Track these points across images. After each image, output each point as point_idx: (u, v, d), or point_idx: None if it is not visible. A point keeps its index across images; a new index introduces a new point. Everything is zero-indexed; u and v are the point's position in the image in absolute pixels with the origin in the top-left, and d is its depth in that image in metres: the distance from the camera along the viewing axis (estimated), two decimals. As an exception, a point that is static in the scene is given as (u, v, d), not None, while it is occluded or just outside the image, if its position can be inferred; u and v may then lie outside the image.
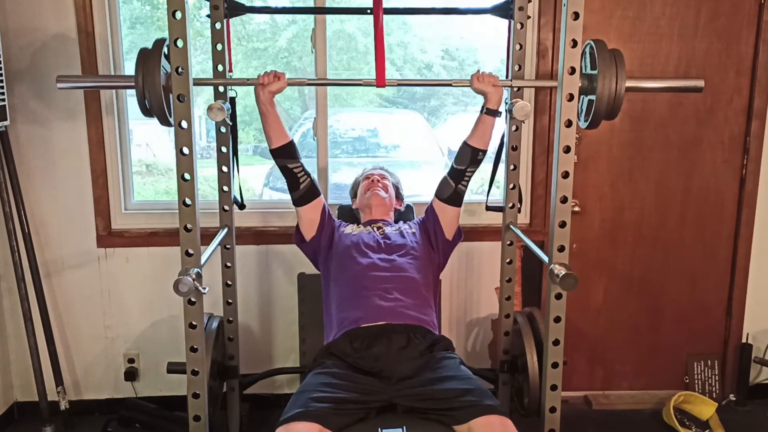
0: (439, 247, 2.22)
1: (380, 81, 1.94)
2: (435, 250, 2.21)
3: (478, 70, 2.04)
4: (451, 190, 2.16)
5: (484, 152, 2.12)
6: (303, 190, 2.12)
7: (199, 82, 1.91)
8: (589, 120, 1.86)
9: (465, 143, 2.11)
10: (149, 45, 1.78)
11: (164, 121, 1.82)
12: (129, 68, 2.62)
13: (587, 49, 1.85)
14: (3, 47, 2.40)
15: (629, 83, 1.80)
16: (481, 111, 2.07)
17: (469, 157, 2.10)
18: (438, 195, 2.20)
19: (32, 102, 2.53)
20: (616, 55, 1.79)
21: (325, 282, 2.17)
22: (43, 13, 2.47)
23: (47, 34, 2.48)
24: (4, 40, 2.42)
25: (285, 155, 2.08)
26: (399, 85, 2.05)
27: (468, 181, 2.17)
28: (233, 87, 2.27)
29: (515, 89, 2.30)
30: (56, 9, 2.47)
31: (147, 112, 1.80)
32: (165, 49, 1.75)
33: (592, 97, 1.81)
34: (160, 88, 1.73)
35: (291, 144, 2.09)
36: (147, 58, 1.74)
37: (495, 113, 2.07)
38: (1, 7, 2.44)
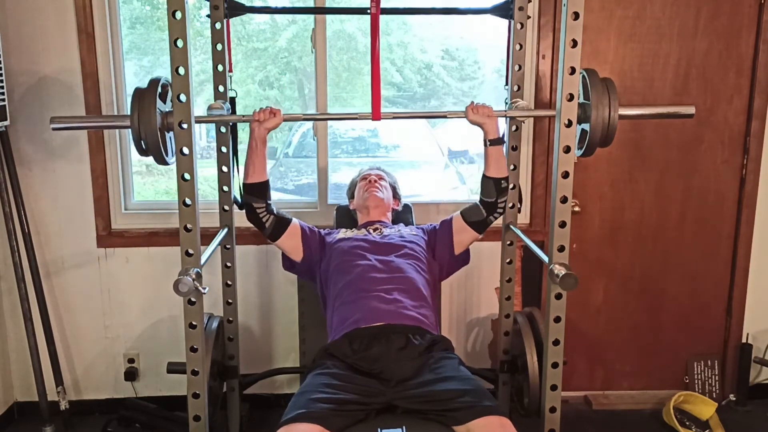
0: (444, 259, 2.21)
1: (376, 115, 1.95)
2: (436, 259, 2.21)
3: (472, 102, 2.03)
4: (481, 217, 2.15)
5: (506, 178, 2.11)
6: (270, 228, 2.12)
7: (200, 120, 1.90)
8: (584, 148, 1.87)
9: (484, 176, 2.11)
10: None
11: (160, 161, 1.78)
12: (129, 69, 2.62)
13: (580, 79, 1.86)
14: (3, 49, 2.40)
15: (622, 111, 1.82)
16: (485, 144, 2.07)
17: (493, 188, 2.09)
18: (464, 215, 2.18)
19: (32, 102, 2.53)
20: (609, 84, 1.81)
21: (326, 292, 2.15)
22: (42, 13, 2.47)
23: (47, 34, 2.48)
24: (4, 42, 2.42)
25: (256, 192, 2.07)
26: (395, 118, 2.07)
27: (501, 213, 2.15)
28: (233, 87, 2.27)
29: (515, 88, 2.30)
30: (56, 9, 2.47)
31: (143, 151, 1.77)
32: (160, 89, 1.73)
33: (586, 126, 1.82)
34: (155, 126, 1.70)
35: (266, 183, 2.08)
36: (142, 97, 1.71)
37: (498, 142, 2.06)
38: (1, 6, 2.45)
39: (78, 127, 2.13)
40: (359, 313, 1.95)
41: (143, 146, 1.75)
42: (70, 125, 2.04)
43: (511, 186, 2.36)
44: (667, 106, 1.96)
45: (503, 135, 2.10)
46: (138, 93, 1.73)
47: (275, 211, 2.13)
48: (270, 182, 2.10)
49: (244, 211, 2.12)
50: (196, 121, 1.72)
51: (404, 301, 1.99)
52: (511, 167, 2.35)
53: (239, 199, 2.34)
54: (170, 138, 1.81)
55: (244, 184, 2.08)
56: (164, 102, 1.77)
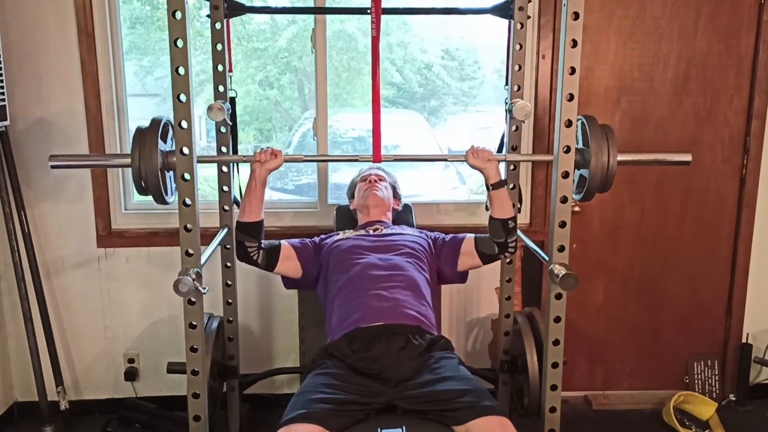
0: (444, 271, 2.20)
1: (377, 157, 1.94)
2: (435, 265, 2.20)
3: (472, 146, 2.01)
4: (493, 252, 2.11)
5: (513, 218, 2.08)
6: (263, 262, 2.10)
7: (202, 160, 1.89)
8: (583, 194, 1.89)
9: (491, 218, 2.08)
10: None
11: (160, 200, 1.77)
12: (129, 69, 2.62)
13: (579, 125, 1.87)
14: (3, 49, 2.40)
15: (621, 157, 1.83)
16: (487, 188, 2.05)
17: (501, 229, 2.07)
18: (477, 242, 2.14)
19: (32, 102, 2.53)
20: (607, 131, 1.83)
21: (327, 295, 2.13)
22: (42, 13, 2.47)
23: (47, 34, 2.48)
24: (4, 42, 2.42)
25: (249, 231, 2.04)
26: (396, 161, 2.09)
27: (512, 252, 2.13)
28: (233, 87, 2.28)
29: (515, 88, 2.30)
30: (56, 9, 2.47)
31: (142, 190, 1.75)
32: (161, 128, 1.73)
33: (585, 172, 1.83)
34: (156, 166, 1.69)
35: (261, 223, 2.06)
36: (143, 136, 1.71)
37: (500, 185, 2.03)
38: (1, 6, 2.45)
39: (77, 165, 2.03)
40: (359, 312, 1.95)
41: (143, 185, 1.73)
42: (70, 164, 1.95)
43: (510, 186, 2.36)
44: (665, 153, 2.06)
45: (505, 177, 2.07)
46: (139, 132, 1.72)
47: (264, 244, 2.11)
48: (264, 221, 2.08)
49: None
50: (199, 161, 1.71)
51: (404, 299, 1.98)
52: (511, 167, 2.35)
53: (239, 199, 2.34)
54: (170, 177, 1.81)
55: (238, 222, 2.06)
56: (165, 142, 1.76)
